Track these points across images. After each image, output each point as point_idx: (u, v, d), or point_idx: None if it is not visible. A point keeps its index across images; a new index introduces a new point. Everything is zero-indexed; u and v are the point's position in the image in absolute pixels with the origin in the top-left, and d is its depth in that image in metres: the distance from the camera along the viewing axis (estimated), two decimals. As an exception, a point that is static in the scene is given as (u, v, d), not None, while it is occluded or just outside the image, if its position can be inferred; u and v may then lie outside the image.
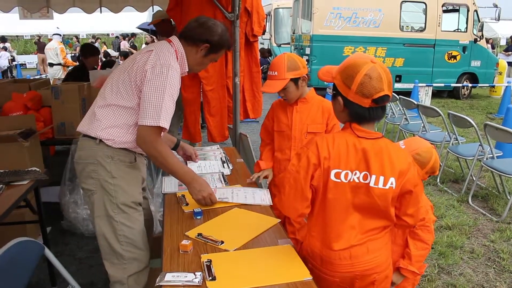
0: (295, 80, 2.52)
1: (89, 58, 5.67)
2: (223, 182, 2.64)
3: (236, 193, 2.43)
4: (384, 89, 1.60)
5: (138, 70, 2.12)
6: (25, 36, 24.45)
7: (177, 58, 2.21)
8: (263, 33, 4.96)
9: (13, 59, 19.84)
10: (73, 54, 18.65)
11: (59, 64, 11.19)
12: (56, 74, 11.08)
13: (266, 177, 2.77)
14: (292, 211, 1.78)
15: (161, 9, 6.25)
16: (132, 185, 2.26)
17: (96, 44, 19.55)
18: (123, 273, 2.22)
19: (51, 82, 6.02)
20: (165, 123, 2.08)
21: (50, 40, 17.71)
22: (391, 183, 1.66)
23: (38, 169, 2.82)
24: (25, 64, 21.69)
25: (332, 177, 1.66)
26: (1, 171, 2.71)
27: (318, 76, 1.78)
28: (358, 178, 1.66)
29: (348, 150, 1.66)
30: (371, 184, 1.65)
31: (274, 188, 2.75)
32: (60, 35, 11.94)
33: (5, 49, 17.85)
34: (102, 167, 2.17)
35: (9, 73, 17.73)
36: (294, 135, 2.62)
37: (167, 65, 2.10)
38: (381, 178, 1.65)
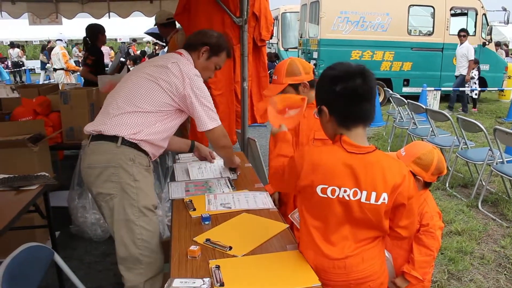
0: (294, 86, 2.50)
1: (99, 37, 5.77)
2: (230, 187, 2.63)
3: (237, 198, 2.43)
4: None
5: (173, 81, 2.29)
6: (34, 41, 24.65)
7: None
8: (271, 38, 4.97)
9: (22, 64, 20.02)
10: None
11: (62, 68, 11.31)
12: (59, 78, 11.21)
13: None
14: (293, 190, 1.84)
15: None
16: (151, 188, 2.32)
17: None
18: (140, 278, 2.23)
19: (60, 87, 6.06)
20: (215, 123, 2.41)
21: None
22: (384, 199, 1.62)
23: (47, 174, 2.83)
24: (34, 69, 21.86)
25: (319, 192, 1.63)
26: (11, 176, 2.73)
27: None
28: (348, 195, 1.62)
29: (335, 167, 1.62)
30: (363, 200, 1.62)
31: (284, 196, 2.75)
32: (62, 40, 12.06)
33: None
34: (123, 170, 2.19)
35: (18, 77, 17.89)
36: (301, 141, 2.59)
37: (198, 74, 2.35)
38: (373, 194, 1.61)
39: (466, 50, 9.97)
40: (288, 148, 1.92)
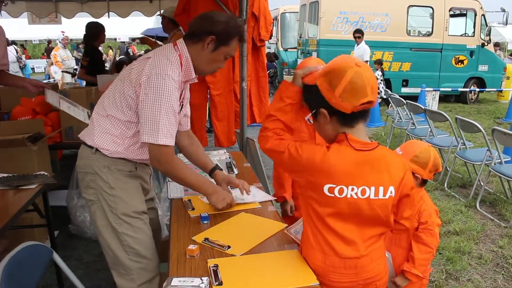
0: None
1: (96, 40, 5.79)
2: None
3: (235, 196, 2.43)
4: (368, 95, 1.56)
5: (133, 81, 2.00)
6: (34, 41, 24.67)
7: (181, 64, 2.05)
8: (270, 38, 4.97)
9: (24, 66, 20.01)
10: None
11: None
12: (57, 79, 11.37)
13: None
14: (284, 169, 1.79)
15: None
16: (132, 195, 2.18)
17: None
18: (132, 284, 2.16)
19: (59, 86, 6.06)
20: (166, 140, 1.96)
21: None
22: (391, 192, 1.63)
23: (46, 173, 2.83)
24: (34, 69, 21.86)
25: (326, 191, 1.61)
26: (10, 175, 2.73)
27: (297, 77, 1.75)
28: (356, 194, 1.60)
29: (344, 166, 1.60)
30: (371, 197, 1.61)
31: (295, 202, 2.78)
32: (57, 39, 12.10)
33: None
34: (99, 177, 2.10)
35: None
36: (318, 143, 2.57)
37: (162, 75, 1.93)
38: (381, 189, 1.62)
39: (362, 51, 9.47)
40: (281, 122, 1.77)
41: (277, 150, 1.71)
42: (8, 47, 14.99)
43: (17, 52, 14.75)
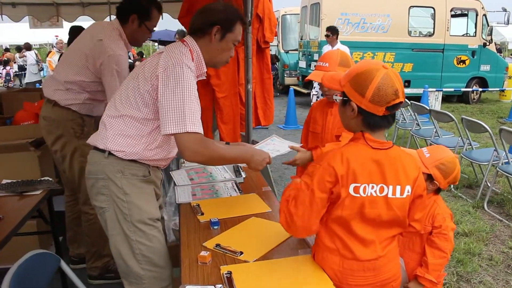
0: None
1: None
2: (236, 190, 2.60)
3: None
4: (399, 97, 1.56)
5: (148, 76, 1.96)
6: (34, 45, 24.65)
7: (192, 58, 2.02)
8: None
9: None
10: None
11: None
12: None
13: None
14: (304, 232, 1.72)
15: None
16: (147, 201, 2.11)
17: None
18: None
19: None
20: (194, 127, 1.87)
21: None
22: (408, 191, 1.63)
23: (51, 179, 2.80)
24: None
25: (351, 191, 1.59)
26: (14, 181, 2.70)
27: (323, 83, 1.75)
28: (375, 191, 1.60)
29: (363, 163, 1.59)
30: (389, 195, 1.61)
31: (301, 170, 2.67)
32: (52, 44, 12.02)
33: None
34: (112, 183, 2.02)
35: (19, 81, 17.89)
36: (326, 138, 2.54)
37: (180, 64, 1.91)
38: (398, 188, 1.61)
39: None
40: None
41: (298, 200, 1.65)
42: (29, 51, 15.07)
43: (36, 56, 15.15)
